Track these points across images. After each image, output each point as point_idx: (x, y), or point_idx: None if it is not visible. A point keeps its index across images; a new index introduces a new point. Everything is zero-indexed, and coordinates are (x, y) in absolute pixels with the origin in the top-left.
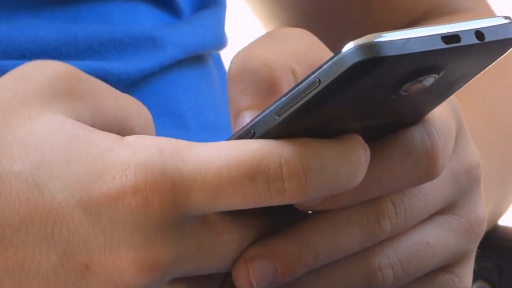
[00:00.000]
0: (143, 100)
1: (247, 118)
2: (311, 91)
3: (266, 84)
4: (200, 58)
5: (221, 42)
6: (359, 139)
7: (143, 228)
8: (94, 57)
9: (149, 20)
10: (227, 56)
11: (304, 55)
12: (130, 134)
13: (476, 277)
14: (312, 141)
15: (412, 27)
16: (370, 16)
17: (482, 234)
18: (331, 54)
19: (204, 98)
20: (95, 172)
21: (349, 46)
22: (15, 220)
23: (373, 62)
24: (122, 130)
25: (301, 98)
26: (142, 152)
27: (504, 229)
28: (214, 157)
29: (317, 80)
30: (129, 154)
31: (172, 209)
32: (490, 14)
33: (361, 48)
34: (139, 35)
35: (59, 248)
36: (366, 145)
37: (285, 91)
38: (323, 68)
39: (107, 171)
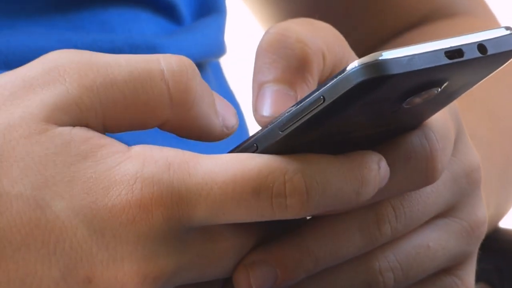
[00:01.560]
0: None
1: (269, 91)
2: (315, 108)
3: (298, 60)
4: (199, 66)
5: (220, 50)
6: (368, 157)
7: (146, 241)
8: None
9: (149, 27)
10: (230, 61)
11: (332, 46)
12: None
13: (477, 279)
14: (317, 158)
15: (415, 43)
16: (370, 20)
17: (483, 236)
18: (352, 52)
19: None
20: (100, 189)
21: (353, 64)
22: (17, 239)
23: (378, 80)
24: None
25: (305, 115)
26: (150, 166)
27: (505, 231)
28: (220, 171)
29: (322, 97)
30: (137, 168)
31: (175, 223)
32: (491, 16)
33: (366, 67)
34: (140, 44)
35: (62, 264)
36: (375, 164)
37: (315, 71)
38: (327, 85)
39: (112, 187)
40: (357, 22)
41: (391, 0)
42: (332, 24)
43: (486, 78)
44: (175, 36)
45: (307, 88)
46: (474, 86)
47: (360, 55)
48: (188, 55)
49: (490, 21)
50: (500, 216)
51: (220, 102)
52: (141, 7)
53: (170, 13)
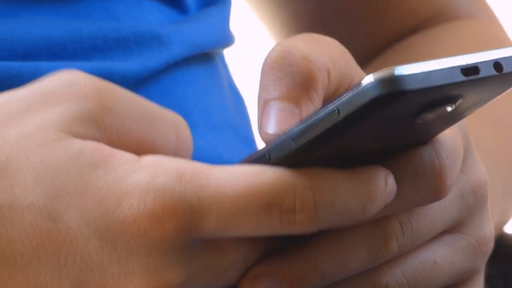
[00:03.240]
0: (149, 99)
1: (274, 109)
2: (330, 120)
3: (303, 78)
4: (207, 56)
5: (227, 40)
6: (376, 173)
7: (157, 254)
8: (99, 55)
9: (154, 16)
10: (232, 55)
11: (338, 62)
12: None
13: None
14: (327, 174)
15: (430, 59)
16: (373, 21)
17: (489, 252)
18: (358, 67)
19: (212, 97)
20: (112, 200)
21: (369, 79)
22: (28, 251)
23: (394, 96)
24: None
25: (319, 127)
26: (162, 177)
27: (509, 236)
28: (232, 184)
29: (336, 110)
30: (149, 179)
31: (185, 234)
32: (494, 19)
33: (382, 82)
34: (144, 33)
35: (72, 276)
36: (382, 180)
37: (320, 88)
38: (342, 99)
39: (124, 198)
40: (360, 23)
41: (393, 2)
42: (335, 25)
43: (500, 95)
44: (180, 25)
45: (312, 106)
46: None
47: (363, 58)
48: (193, 44)
49: (494, 25)
50: (504, 222)
51: None
52: None
53: (175, 2)
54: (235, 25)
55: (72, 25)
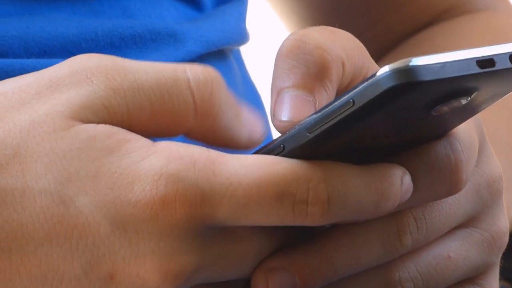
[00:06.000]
0: None
1: (288, 96)
2: (345, 111)
3: (317, 67)
4: (222, 54)
5: (242, 37)
6: (392, 170)
7: (168, 238)
8: (115, 52)
9: (170, 13)
10: (247, 52)
11: (352, 54)
12: None
13: (498, 277)
14: (341, 168)
15: (446, 51)
16: (389, 15)
17: (504, 247)
18: (372, 61)
19: None
20: (125, 185)
21: (384, 69)
22: (39, 235)
23: (409, 86)
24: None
25: (334, 117)
26: (175, 162)
27: None
28: (245, 173)
29: (351, 100)
30: (162, 164)
31: (197, 221)
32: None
33: (397, 72)
34: (160, 30)
35: (84, 260)
36: (398, 178)
37: (335, 78)
38: (357, 89)
39: (137, 182)
40: (376, 17)
41: None
42: (351, 19)
43: None
44: (196, 22)
45: (326, 94)
46: None
47: (379, 51)
48: (208, 42)
49: None
50: None
51: (247, 114)
52: None
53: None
54: (252, 21)
55: (87, 23)
